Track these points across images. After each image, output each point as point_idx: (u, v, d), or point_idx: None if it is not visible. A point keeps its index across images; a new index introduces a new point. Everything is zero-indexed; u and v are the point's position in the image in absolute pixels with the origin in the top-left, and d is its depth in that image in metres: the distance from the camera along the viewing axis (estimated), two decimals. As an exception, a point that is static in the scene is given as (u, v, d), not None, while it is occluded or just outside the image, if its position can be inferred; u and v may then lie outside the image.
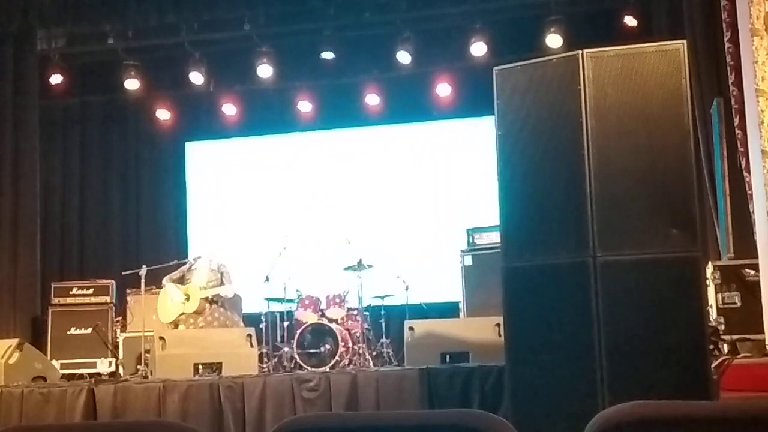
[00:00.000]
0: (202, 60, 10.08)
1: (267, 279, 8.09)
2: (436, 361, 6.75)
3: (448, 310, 8.90)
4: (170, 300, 8.17)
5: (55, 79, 10.15)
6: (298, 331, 7.70)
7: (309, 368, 7.30)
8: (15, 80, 9.58)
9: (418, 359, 6.79)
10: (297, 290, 8.26)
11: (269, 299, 8.22)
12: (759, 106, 4.84)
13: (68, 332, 8.83)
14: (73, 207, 11.04)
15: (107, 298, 9.02)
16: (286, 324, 8.18)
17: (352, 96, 10.53)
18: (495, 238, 6.92)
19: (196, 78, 10.15)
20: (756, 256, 5.18)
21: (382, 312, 8.36)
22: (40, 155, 9.90)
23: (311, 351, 7.60)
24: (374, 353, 7.91)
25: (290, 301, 8.25)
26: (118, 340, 8.70)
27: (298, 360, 7.54)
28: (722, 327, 5.89)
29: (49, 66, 10.11)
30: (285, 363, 7.74)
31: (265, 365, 7.62)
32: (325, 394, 6.42)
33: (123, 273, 8.67)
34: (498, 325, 6.30)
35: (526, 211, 4.99)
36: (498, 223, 5.18)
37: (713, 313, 5.96)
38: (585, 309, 4.64)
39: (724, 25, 5.56)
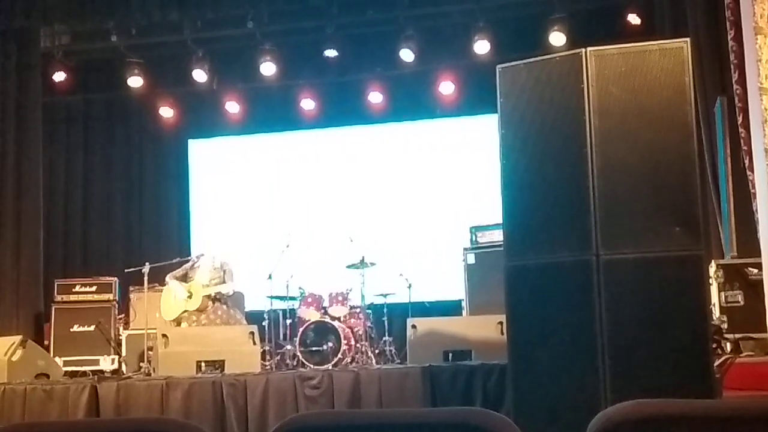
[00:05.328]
0: (206, 58, 10.09)
1: (270, 277, 8.10)
2: (438, 359, 6.75)
3: (451, 308, 8.90)
4: (173, 297, 8.19)
5: (58, 76, 10.16)
6: (301, 329, 7.70)
7: (311, 366, 7.30)
8: (18, 78, 9.59)
9: (421, 357, 6.80)
10: (300, 288, 8.26)
11: (272, 297, 8.23)
12: (762, 104, 4.83)
13: (71, 329, 8.85)
14: (76, 204, 11.05)
15: (110, 296, 9.04)
16: (288, 322, 8.18)
17: (355, 94, 10.54)
18: (498, 236, 6.91)
19: (200, 76, 10.15)
20: (759, 255, 5.16)
21: (385, 310, 8.35)
22: (43, 152, 9.91)
23: (314, 349, 7.60)
24: (377, 351, 7.90)
25: (293, 298, 8.26)
26: (120, 337, 8.71)
27: (300, 358, 7.53)
28: (725, 326, 5.89)
29: (52, 63, 10.12)
30: (288, 361, 7.74)
31: (267, 363, 7.62)
32: (328, 391, 6.43)
33: (126, 270, 8.67)
34: (500, 323, 6.31)
35: (529, 210, 4.99)
36: (501, 221, 5.18)
37: (716, 312, 5.96)
38: (588, 307, 4.64)
39: (727, 24, 5.54)
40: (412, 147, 10.61)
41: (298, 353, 7.56)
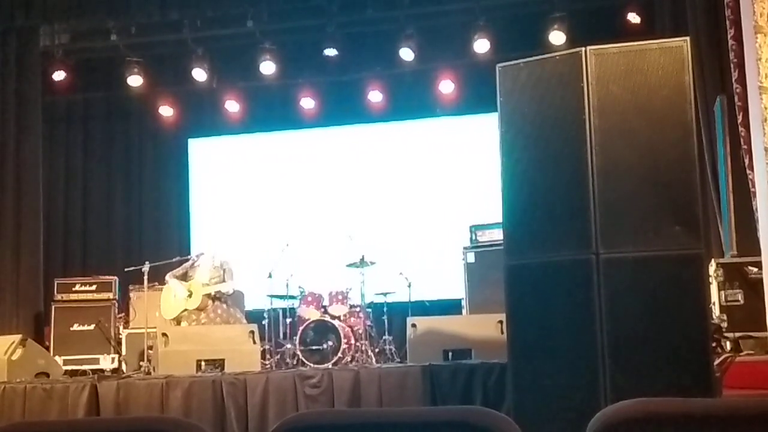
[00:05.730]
0: (205, 56, 10.09)
1: (270, 275, 8.10)
2: (438, 358, 6.75)
3: (451, 307, 8.90)
4: (173, 296, 8.19)
5: (58, 75, 10.15)
6: (301, 328, 7.71)
7: (311, 365, 7.31)
8: (18, 76, 9.59)
9: (421, 356, 6.80)
10: (300, 287, 8.27)
11: (272, 296, 8.24)
12: (762, 103, 4.83)
13: (71, 328, 8.85)
14: (76, 203, 11.05)
15: (110, 295, 9.04)
16: (288, 321, 8.19)
17: (355, 93, 10.54)
18: (498, 235, 6.92)
19: (199, 74, 10.15)
20: (759, 254, 5.17)
21: (385, 309, 8.35)
22: (43, 151, 9.90)
23: (314, 348, 7.61)
24: (377, 350, 7.91)
25: (293, 297, 8.26)
26: (120, 336, 8.72)
27: (300, 357, 7.54)
28: (725, 324, 5.89)
29: (52, 62, 10.12)
30: (287, 360, 7.75)
31: (267, 362, 7.63)
32: (328, 390, 6.43)
33: (126, 269, 8.67)
34: (500, 322, 6.31)
35: (528, 208, 4.99)
36: (501, 220, 5.18)
37: (716, 311, 5.96)
38: (587, 306, 4.64)
39: (727, 22, 5.54)
40: (412, 146, 10.60)
41: (298, 352, 7.57)
